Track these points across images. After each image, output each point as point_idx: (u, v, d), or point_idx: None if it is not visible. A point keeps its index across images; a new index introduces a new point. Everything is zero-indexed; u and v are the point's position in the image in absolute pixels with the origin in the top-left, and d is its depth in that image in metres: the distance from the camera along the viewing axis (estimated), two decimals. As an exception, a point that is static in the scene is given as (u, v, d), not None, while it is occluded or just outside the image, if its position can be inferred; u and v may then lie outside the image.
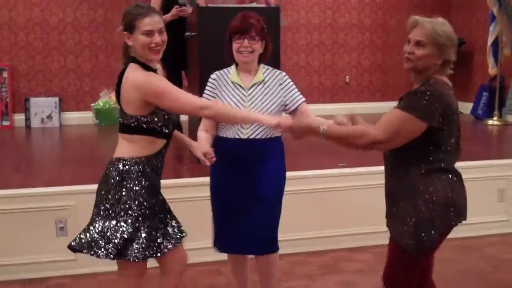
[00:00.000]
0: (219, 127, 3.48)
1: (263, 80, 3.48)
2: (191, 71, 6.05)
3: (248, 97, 3.44)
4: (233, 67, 3.54)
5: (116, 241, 2.90)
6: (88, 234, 2.96)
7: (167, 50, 6.67)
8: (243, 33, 3.39)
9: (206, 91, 3.53)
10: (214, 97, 3.45)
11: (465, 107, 8.98)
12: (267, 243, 3.52)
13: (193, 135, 4.51)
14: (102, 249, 2.91)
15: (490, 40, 8.34)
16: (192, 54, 5.86)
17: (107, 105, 8.49)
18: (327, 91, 9.74)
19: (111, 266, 4.36)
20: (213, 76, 3.57)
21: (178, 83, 6.39)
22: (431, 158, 2.76)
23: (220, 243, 3.62)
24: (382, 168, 5.22)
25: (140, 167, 2.95)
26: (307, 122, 2.89)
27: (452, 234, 4.10)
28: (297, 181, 4.86)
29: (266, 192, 3.45)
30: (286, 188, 3.64)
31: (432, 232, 2.73)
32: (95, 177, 4.90)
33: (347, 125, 2.82)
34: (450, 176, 2.80)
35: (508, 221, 5.48)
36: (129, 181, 2.93)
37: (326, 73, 9.70)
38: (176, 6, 6.08)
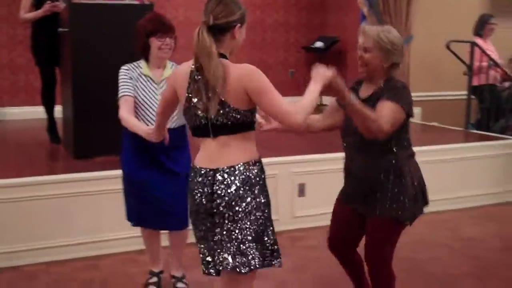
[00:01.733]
0: (139, 117, 3.66)
1: None
2: (64, 67, 5.97)
3: (159, 90, 3.67)
4: (143, 61, 3.73)
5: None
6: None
7: (40, 46, 6.57)
8: (165, 31, 3.64)
9: (124, 82, 3.66)
10: (132, 88, 3.65)
11: (339, 103, 9.34)
12: (184, 218, 3.66)
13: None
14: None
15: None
16: (65, 50, 5.79)
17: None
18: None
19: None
20: (125, 67, 3.72)
21: (51, 79, 6.30)
22: (405, 144, 3.19)
23: (139, 218, 3.87)
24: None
25: (261, 166, 2.81)
26: (344, 85, 2.90)
27: (322, 222, 4.39)
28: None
29: (181, 170, 3.70)
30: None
31: (420, 205, 3.24)
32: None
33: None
34: (415, 159, 3.29)
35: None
36: (262, 183, 2.78)
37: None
38: (48, 2, 5.96)
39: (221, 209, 2.66)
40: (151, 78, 3.69)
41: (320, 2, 10.51)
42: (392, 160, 3.14)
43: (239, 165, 2.68)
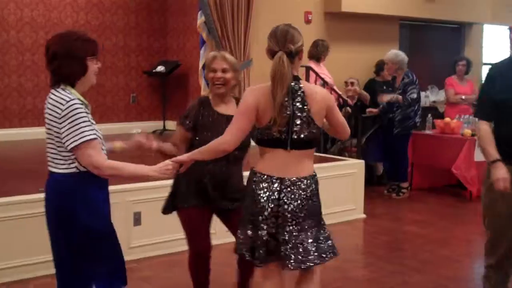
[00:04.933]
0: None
1: None
2: None
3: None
4: (69, 87, 3.03)
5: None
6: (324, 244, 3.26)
7: None
8: (98, 53, 3.13)
9: (87, 121, 2.96)
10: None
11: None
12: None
13: None
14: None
15: (201, 63, 8.65)
16: None
17: None
18: (42, 114, 9.35)
19: None
20: (77, 101, 2.96)
21: None
22: None
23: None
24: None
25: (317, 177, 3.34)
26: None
27: (158, 252, 4.32)
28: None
29: None
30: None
31: None
32: None
33: None
34: None
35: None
36: (318, 192, 3.28)
37: (41, 96, 9.34)
38: None
39: (286, 214, 3.12)
40: (87, 107, 3.05)
41: (160, 26, 10.40)
42: (242, 167, 3.90)
43: (306, 177, 3.17)
